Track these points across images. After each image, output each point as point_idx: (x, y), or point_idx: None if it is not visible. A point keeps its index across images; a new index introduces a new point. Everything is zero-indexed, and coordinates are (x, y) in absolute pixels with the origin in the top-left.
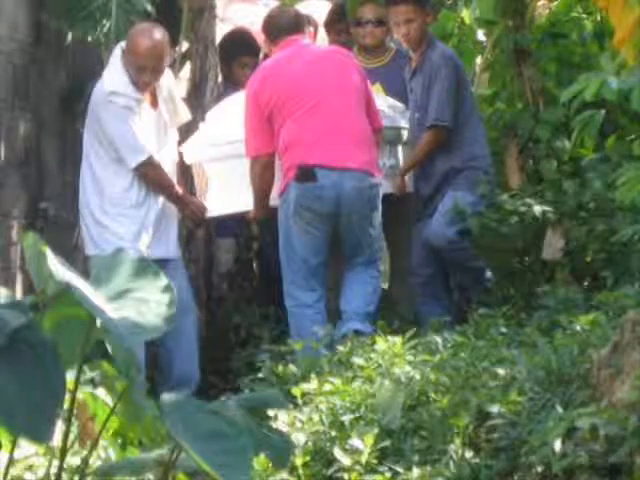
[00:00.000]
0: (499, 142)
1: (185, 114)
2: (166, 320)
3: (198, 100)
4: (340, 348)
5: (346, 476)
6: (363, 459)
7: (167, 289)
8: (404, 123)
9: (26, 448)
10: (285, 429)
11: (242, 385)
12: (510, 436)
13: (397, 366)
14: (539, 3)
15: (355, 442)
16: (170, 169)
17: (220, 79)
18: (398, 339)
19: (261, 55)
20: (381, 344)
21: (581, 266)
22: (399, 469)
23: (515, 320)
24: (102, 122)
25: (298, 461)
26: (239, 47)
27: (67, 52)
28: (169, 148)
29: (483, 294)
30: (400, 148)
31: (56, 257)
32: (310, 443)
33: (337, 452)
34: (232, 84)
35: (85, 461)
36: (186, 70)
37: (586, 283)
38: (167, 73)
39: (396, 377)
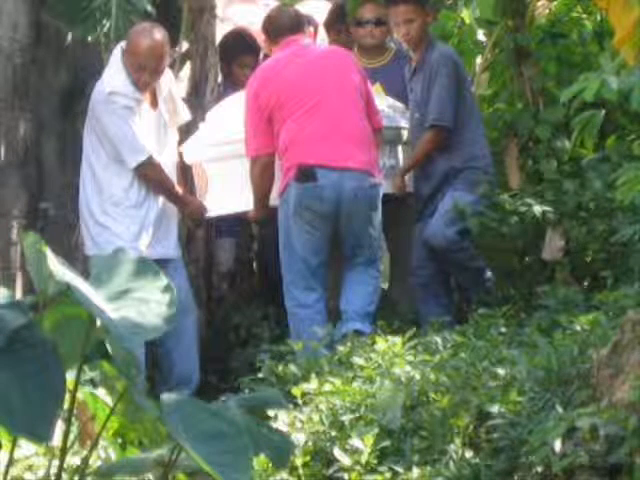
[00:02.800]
0: (499, 142)
1: (185, 114)
2: (166, 320)
3: (198, 100)
4: (340, 348)
5: (346, 476)
6: (363, 459)
7: (167, 289)
8: (404, 123)
9: (26, 448)
10: (285, 429)
11: (242, 385)
12: (510, 436)
13: (397, 366)
14: (539, 3)
15: (355, 442)
16: (170, 169)
17: (220, 79)
18: (398, 339)
19: (261, 55)
20: (381, 344)
21: (581, 266)
22: (399, 469)
23: (515, 320)
24: (102, 122)
25: (298, 461)
26: (239, 47)
27: (67, 52)
28: (169, 148)
29: (483, 294)
30: (400, 148)
31: (56, 257)
32: (310, 443)
33: (337, 452)
34: (232, 84)
35: (85, 461)
36: (186, 70)
37: (586, 283)
38: (167, 73)
39: (396, 377)
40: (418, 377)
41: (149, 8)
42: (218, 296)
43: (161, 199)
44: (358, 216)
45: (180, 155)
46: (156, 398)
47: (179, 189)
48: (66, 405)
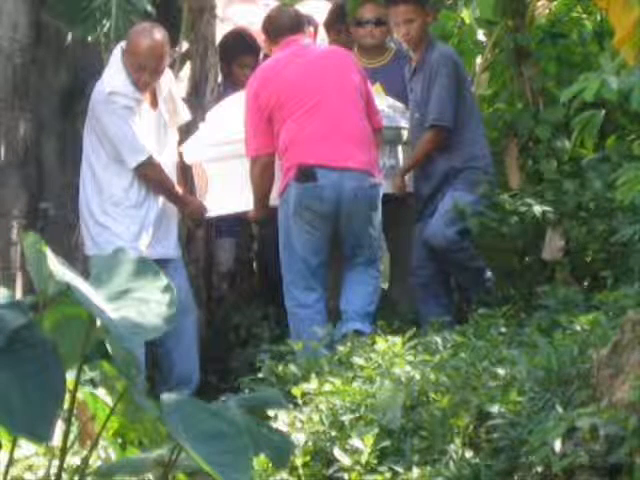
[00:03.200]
0: (499, 142)
1: (185, 114)
2: (166, 320)
3: (198, 100)
4: (340, 348)
5: (346, 476)
6: (363, 459)
7: (167, 289)
8: (404, 123)
9: (26, 448)
10: (285, 429)
11: (242, 385)
12: (510, 436)
13: (397, 366)
14: (539, 3)
15: (355, 442)
16: (170, 169)
17: (220, 79)
18: (398, 339)
19: (261, 55)
20: (381, 344)
21: (581, 266)
22: (399, 469)
23: (515, 320)
24: (102, 122)
25: (298, 461)
26: (239, 47)
27: (67, 52)
28: (169, 148)
29: (483, 294)
30: (400, 148)
31: (56, 257)
32: (310, 443)
33: (337, 452)
34: (232, 84)
35: (85, 461)
36: (186, 70)
37: (586, 283)
38: (167, 73)
39: (396, 377)
40: (418, 377)
41: (149, 8)
42: (218, 296)
43: (161, 199)
44: (358, 216)
45: (180, 155)
46: (156, 398)
47: (179, 189)
48: (66, 405)
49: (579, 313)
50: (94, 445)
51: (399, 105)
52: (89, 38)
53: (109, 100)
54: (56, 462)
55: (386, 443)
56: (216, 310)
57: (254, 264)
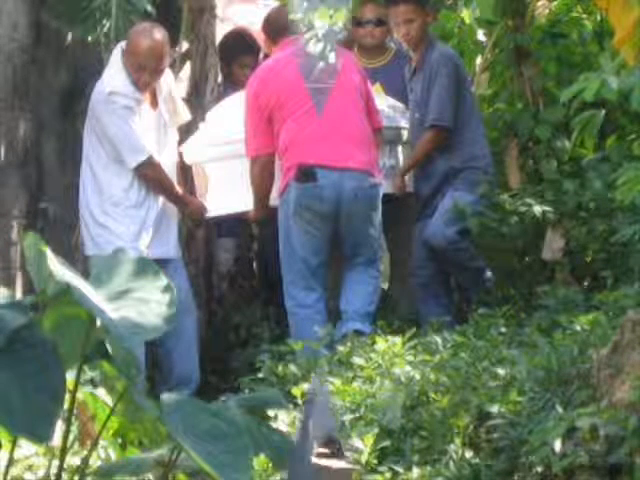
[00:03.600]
0: (499, 142)
1: (185, 114)
2: (166, 320)
3: (198, 100)
4: (340, 348)
5: None
6: (363, 459)
7: (167, 289)
8: (404, 123)
9: (26, 448)
10: (285, 429)
11: (242, 385)
12: (510, 436)
13: (397, 366)
14: (539, 3)
15: (355, 442)
16: (170, 169)
17: (220, 79)
18: (398, 339)
19: (261, 55)
20: (381, 344)
21: (581, 266)
22: (399, 469)
23: (515, 320)
24: (102, 122)
25: None
26: (239, 47)
27: (67, 52)
28: (169, 148)
29: (483, 294)
30: (400, 148)
31: (56, 257)
32: None
33: None
34: (232, 84)
35: (85, 461)
36: (186, 70)
37: (586, 283)
38: (167, 73)
39: (396, 377)
40: (418, 377)
41: (149, 8)
42: (218, 296)
43: (161, 199)
44: (358, 216)
45: (180, 155)
46: (156, 398)
47: (179, 189)
48: (66, 405)
49: (579, 313)
50: (94, 445)
51: (399, 105)
52: (89, 38)
53: (109, 100)
54: (56, 462)
55: (386, 443)
56: (216, 310)
57: (254, 264)
